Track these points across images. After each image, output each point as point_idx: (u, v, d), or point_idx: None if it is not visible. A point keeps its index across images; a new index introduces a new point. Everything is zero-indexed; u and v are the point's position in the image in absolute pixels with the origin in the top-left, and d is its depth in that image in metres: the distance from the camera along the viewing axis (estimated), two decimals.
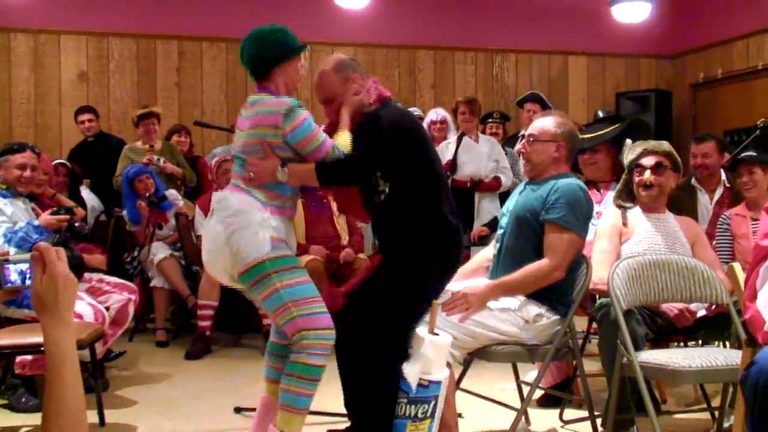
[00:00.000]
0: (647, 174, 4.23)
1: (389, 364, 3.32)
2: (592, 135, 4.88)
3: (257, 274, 3.30)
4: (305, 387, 3.26)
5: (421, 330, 3.32)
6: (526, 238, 3.73)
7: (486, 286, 3.63)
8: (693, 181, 5.71)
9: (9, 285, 1.82)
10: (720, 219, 5.08)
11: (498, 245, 3.91)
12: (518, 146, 4.12)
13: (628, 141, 4.91)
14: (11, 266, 1.82)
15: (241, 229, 3.31)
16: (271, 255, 3.29)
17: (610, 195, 4.76)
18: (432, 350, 3.27)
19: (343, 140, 3.43)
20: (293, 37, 3.54)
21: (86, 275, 5.12)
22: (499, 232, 3.94)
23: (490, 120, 7.90)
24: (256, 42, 3.50)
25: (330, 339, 3.29)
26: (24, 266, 1.82)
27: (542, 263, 3.62)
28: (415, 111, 7.81)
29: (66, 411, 1.72)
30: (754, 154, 5.12)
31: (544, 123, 3.91)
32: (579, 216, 3.66)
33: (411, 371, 3.27)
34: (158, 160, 7.09)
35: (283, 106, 3.37)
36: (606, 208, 4.59)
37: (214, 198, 3.51)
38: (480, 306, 3.55)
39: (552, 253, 3.63)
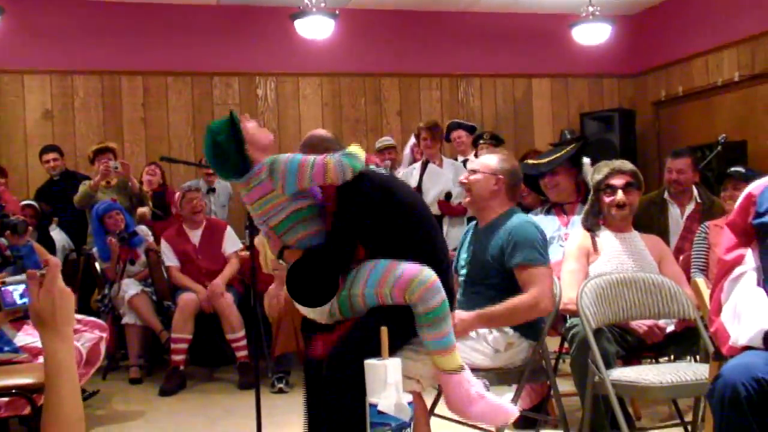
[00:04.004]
0: (620, 194, 4.29)
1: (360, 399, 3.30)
2: (549, 159, 4.94)
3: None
4: (439, 329, 3.27)
5: (376, 359, 3.26)
6: (488, 285, 3.76)
7: (473, 314, 3.65)
8: (666, 194, 5.75)
9: (8, 306, 1.91)
10: (699, 228, 5.09)
11: (461, 290, 3.93)
12: (461, 178, 4.16)
13: (586, 160, 4.96)
14: (10, 288, 1.91)
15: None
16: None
17: (578, 217, 4.80)
18: (397, 373, 3.25)
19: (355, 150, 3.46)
20: (222, 119, 3.52)
21: None
22: (461, 279, 3.96)
23: (481, 141, 7.41)
24: (217, 147, 3.46)
25: (429, 276, 3.26)
26: (22, 287, 1.91)
27: (526, 297, 3.64)
28: (387, 141, 7.83)
29: (63, 423, 1.76)
30: (743, 170, 5.14)
31: (488, 158, 4.03)
32: (540, 249, 3.72)
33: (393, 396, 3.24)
34: (116, 167, 7.04)
35: (262, 173, 3.38)
36: (573, 230, 4.64)
37: None
38: (463, 334, 3.58)
39: (531, 286, 3.65)
